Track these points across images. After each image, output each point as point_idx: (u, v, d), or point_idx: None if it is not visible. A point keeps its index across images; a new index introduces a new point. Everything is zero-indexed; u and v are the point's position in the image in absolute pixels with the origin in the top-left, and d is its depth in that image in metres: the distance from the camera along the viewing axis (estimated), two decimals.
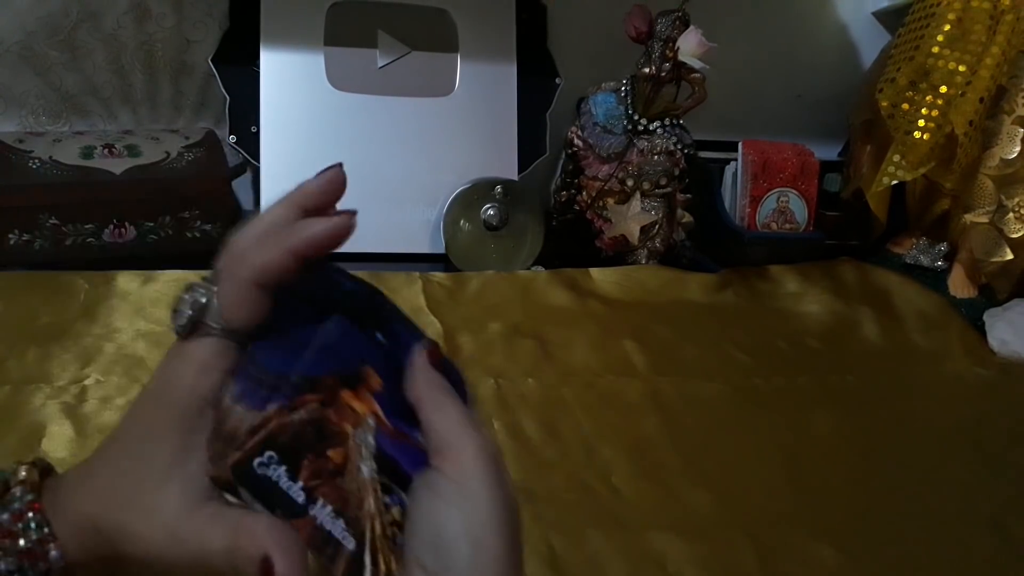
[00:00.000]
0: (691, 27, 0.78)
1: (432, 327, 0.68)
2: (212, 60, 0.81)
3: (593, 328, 0.72)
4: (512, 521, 0.30)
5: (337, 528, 0.29)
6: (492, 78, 0.87)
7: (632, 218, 0.83)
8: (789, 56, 1.04)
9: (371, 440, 0.30)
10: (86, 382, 0.56)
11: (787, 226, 0.88)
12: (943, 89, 0.81)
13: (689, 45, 0.77)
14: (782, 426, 0.63)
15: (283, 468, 0.29)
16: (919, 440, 0.64)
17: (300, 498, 0.29)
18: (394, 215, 0.83)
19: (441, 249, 0.82)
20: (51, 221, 0.70)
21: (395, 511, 0.30)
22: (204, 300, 0.30)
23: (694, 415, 0.63)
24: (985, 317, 0.83)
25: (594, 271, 0.81)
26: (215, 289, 0.30)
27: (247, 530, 0.29)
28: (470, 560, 0.28)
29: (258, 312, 0.30)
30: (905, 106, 0.84)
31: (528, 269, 0.82)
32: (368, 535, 0.29)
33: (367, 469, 0.30)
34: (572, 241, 0.89)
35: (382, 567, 0.29)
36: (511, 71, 0.87)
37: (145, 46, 0.82)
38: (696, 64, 0.77)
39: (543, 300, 0.76)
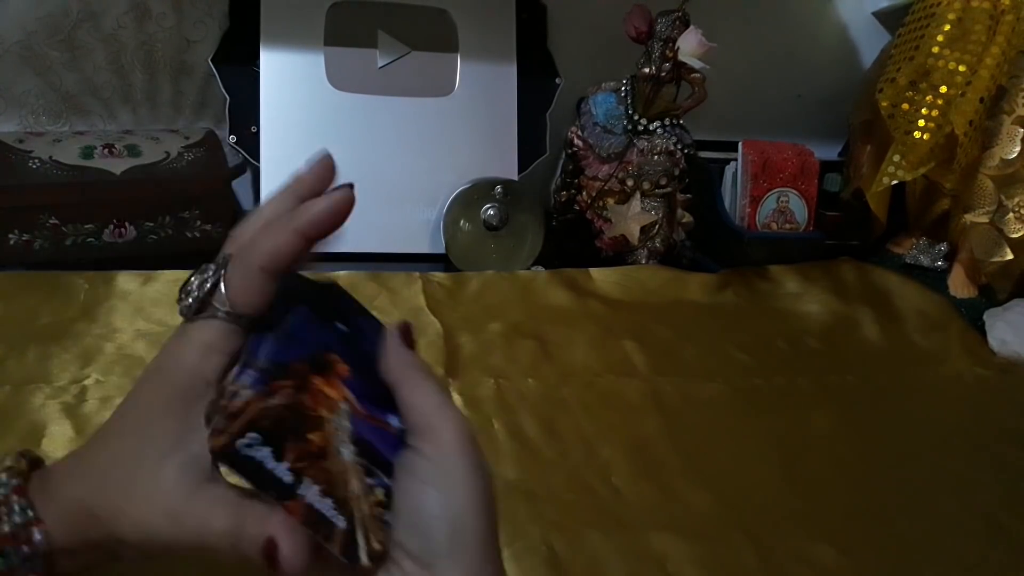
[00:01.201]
0: (691, 27, 0.78)
1: (432, 327, 0.68)
2: (212, 60, 0.81)
3: (593, 328, 0.72)
4: (489, 500, 0.30)
5: (327, 507, 0.29)
6: (492, 78, 0.87)
7: (632, 218, 0.83)
8: (789, 56, 1.04)
9: (347, 424, 0.31)
10: (86, 382, 0.56)
11: (787, 226, 0.88)
12: (943, 89, 0.81)
13: (689, 45, 0.77)
14: (782, 426, 0.63)
15: (267, 449, 0.29)
16: (919, 440, 0.64)
17: (288, 478, 0.29)
18: (394, 215, 0.83)
19: (441, 249, 0.82)
20: (51, 221, 0.70)
21: (378, 492, 0.31)
22: (212, 282, 0.31)
23: (694, 415, 0.63)
24: (985, 317, 0.83)
25: (594, 271, 0.81)
26: (223, 273, 0.31)
27: (252, 512, 0.29)
28: (450, 539, 0.29)
29: (264, 298, 0.31)
30: (905, 106, 0.84)
31: (528, 269, 0.82)
32: (357, 515, 0.30)
33: (347, 452, 0.30)
34: (572, 241, 0.89)
35: (375, 545, 0.30)
36: (511, 71, 0.87)
37: (145, 46, 0.82)
38: (696, 64, 0.77)
39: (543, 300, 0.76)
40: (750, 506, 0.54)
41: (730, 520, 0.52)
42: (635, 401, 0.64)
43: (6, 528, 0.29)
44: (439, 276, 0.76)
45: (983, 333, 0.82)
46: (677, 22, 0.78)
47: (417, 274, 0.75)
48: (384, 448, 0.31)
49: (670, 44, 0.78)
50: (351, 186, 0.32)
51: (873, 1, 1.03)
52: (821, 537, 0.51)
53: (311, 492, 0.29)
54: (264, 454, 0.29)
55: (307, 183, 0.33)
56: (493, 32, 0.87)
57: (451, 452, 0.30)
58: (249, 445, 0.29)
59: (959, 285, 0.88)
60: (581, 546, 0.47)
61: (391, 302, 0.71)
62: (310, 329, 0.32)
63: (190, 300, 0.31)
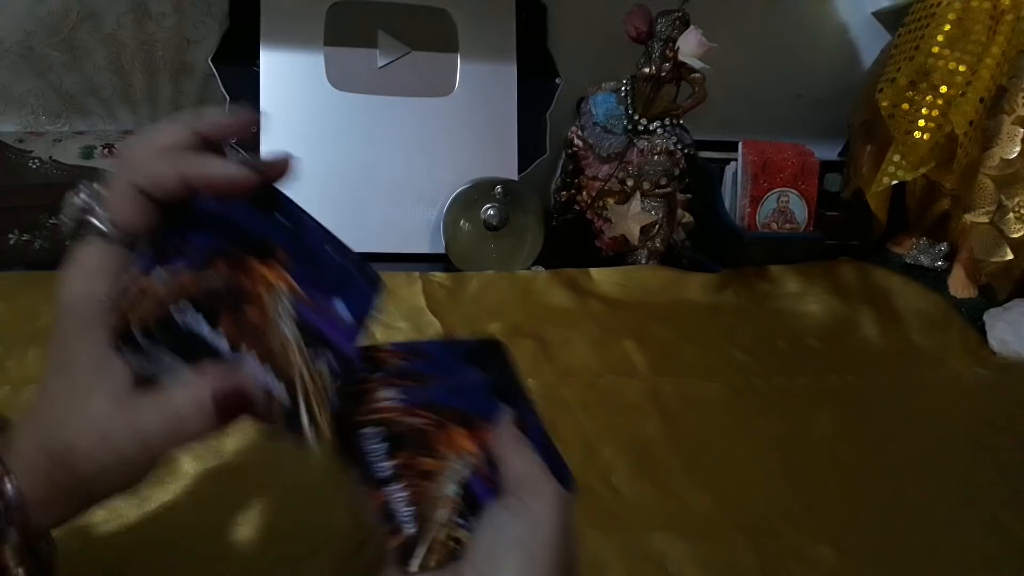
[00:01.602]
0: (691, 27, 0.78)
1: (432, 327, 0.68)
2: (212, 60, 0.81)
3: (593, 328, 0.72)
4: (569, 568, 0.30)
5: (268, 378, 0.29)
6: (492, 78, 0.87)
7: (632, 218, 0.83)
8: (789, 56, 1.04)
9: (288, 304, 0.31)
10: None
11: (787, 226, 0.88)
12: (943, 89, 0.81)
13: (689, 45, 0.77)
14: (782, 426, 0.63)
15: (200, 315, 0.29)
16: (919, 440, 0.64)
17: (223, 346, 0.29)
18: (394, 215, 0.83)
19: (441, 249, 0.82)
20: (51, 221, 0.70)
21: (322, 367, 0.30)
22: (90, 201, 0.31)
23: (694, 415, 0.63)
24: (985, 317, 0.83)
25: (594, 271, 0.81)
26: (102, 192, 0.31)
27: (178, 392, 0.29)
28: (519, 570, 0.29)
29: (144, 217, 0.30)
30: (905, 106, 0.83)
31: (528, 269, 0.82)
32: (299, 385, 0.30)
33: (287, 329, 0.30)
34: (572, 241, 0.89)
35: (318, 417, 0.30)
36: (511, 71, 0.87)
37: (145, 46, 0.82)
38: (696, 64, 0.77)
39: (543, 300, 0.76)
40: (750, 506, 0.54)
41: (730, 520, 0.52)
42: (635, 401, 0.64)
43: None
44: (439, 276, 0.76)
45: (983, 333, 0.82)
46: (677, 22, 0.78)
47: (417, 274, 0.75)
48: (331, 332, 0.31)
49: (670, 44, 0.78)
50: (283, 163, 0.32)
51: (873, 1, 1.03)
52: (821, 537, 0.51)
53: (249, 359, 0.29)
54: (198, 319, 0.29)
55: (213, 128, 0.32)
56: (493, 32, 0.87)
57: (546, 504, 0.30)
58: (182, 311, 0.29)
59: (959, 285, 0.88)
60: (581, 546, 0.47)
61: (391, 302, 0.71)
62: (248, 218, 0.32)
63: (71, 220, 0.31)
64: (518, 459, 0.32)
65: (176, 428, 0.29)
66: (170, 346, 0.29)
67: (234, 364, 0.29)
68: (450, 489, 0.31)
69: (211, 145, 0.32)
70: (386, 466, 0.31)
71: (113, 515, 0.45)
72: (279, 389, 0.29)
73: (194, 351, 0.29)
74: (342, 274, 0.33)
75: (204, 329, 0.29)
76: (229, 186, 0.30)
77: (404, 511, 0.30)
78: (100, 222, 0.30)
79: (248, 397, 0.29)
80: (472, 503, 0.31)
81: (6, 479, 0.29)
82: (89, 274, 0.30)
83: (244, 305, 0.30)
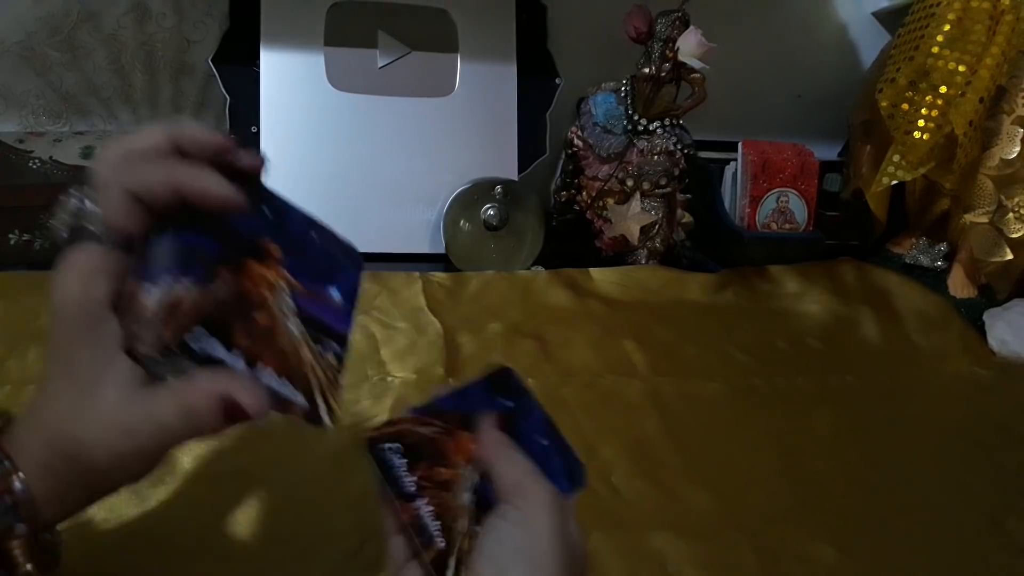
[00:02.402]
0: (691, 27, 0.78)
1: (432, 327, 0.68)
2: (212, 60, 0.81)
3: (593, 328, 0.72)
4: (574, 564, 0.31)
5: (287, 390, 0.31)
6: (492, 78, 0.87)
7: (632, 218, 0.83)
8: (789, 56, 1.04)
9: (289, 300, 0.32)
10: None
11: (787, 226, 0.88)
12: (943, 89, 0.81)
13: (689, 45, 0.77)
14: (782, 426, 0.63)
15: (215, 339, 0.30)
16: (919, 440, 0.64)
17: (240, 364, 0.30)
18: (394, 215, 0.83)
19: (441, 249, 0.82)
20: (51, 221, 0.70)
21: (331, 357, 0.33)
22: (82, 206, 0.31)
23: (694, 415, 0.63)
24: (985, 317, 0.83)
25: (594, 271, 0.82)
26: (93, 195, 0.31)
27: (192, 388, 0.30)
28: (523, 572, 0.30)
29: (137, 220, 0.30)
30: (905, 106, 0.83)
31: (528, 269, 0.82)
32: (314, 381, 0.32)
33: (294, 326, 0.32)
34: (572, 241, 0.89)
35: (333, 404, 0.32)
36: (511, 71, 0.87)
37: (145, 46, 0.82)
38: (696, 64, 0.77)
39: (543, 300, 0.76)
40: (750, 506, 0.54)
41: (730, 520, 0.52)
42: (635, 401, 0.64)
43: None
44: (439, 276, 0.76)
45: (983, 333, 0.82)
46: (677, 22, 0.78)
47: (417, 274, 0.75)
48: (330, 318, 0.33)
49: (670, 44, 0.78)
50: (258, 160, 0.33)
51: (873, 1, 1.03)
52: (821, 537, 0.51)
53: (266, 374, 0.31)
54: (213, 344, 0.30)
55: (191, 142, 0.32)
56: (493, 32, 0.87)
57: (541, 509, 0.31)
58: (196, 338, 0.29)
59: (959, 285, 0.88)
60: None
61: (391, 302, 0.71)
62: (241, 215, 0.32)
63: (63, 226, 0.31)
64: (506, 465, 0.33)
65: (190, 421, 0.30)
66: (188, 362, 0.30)
67: (252, 379, 0.30)
68: (465, 497, 0.33)
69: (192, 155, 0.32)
70: (411, 480, 0.33)
71: (113, 515, 0.45)
72: (299, 398, 0.31)
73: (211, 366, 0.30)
74: (327, 258, 0.35)
75: (220, 352, 0.30)
76: (222, 205, 0.31)
77: (433, 525, 0.32)
78: (93, 225, 0.31)
79: (256, 407, 0.30)
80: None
81: (14, 476, 0.30)
82: (84, 276, 0.30)
83: (253, 312, 0.31)
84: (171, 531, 0.45)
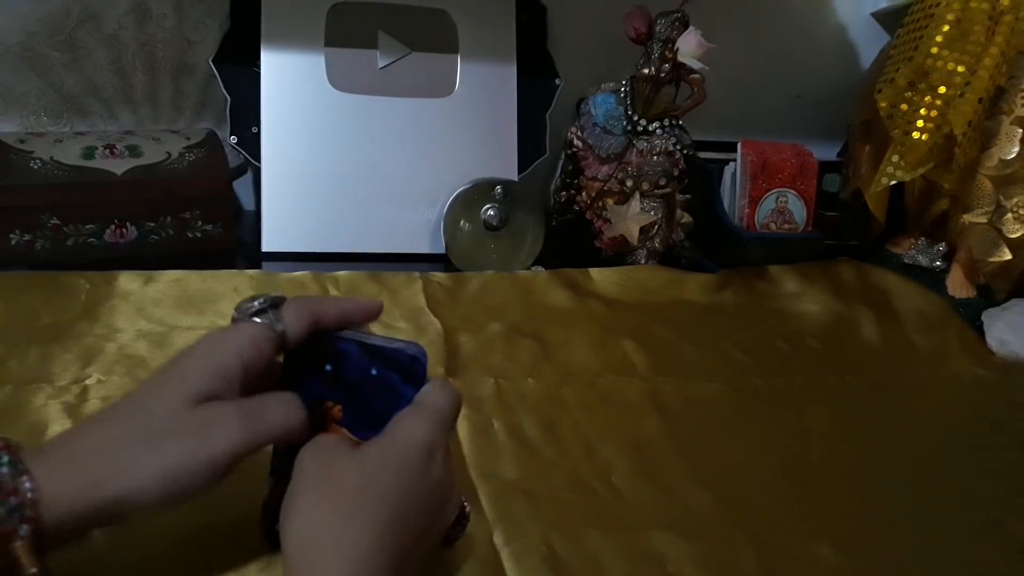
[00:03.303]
0: (690, 28, 0.78)
1: (432, 327, 0.68)
2: (213, 61, 0.81)
3: (593, 328, 0.73)
4: (389, 499, 0.35)
5: None
6: (492, 78, 0.87)
7: (631, 218, 0.83)
8: (789, 56, 1.04)
9: None
10: (87, 382, 0.56)
11: (786, 226, 0.88)
12: (942, 90, 0.81)
13: (688, 46, 0.77)
14: (782, 426, 0.63)
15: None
16: (918, 440, 0.64)
17: None
18: (394, 215, 0.83)
19: (441, 249, 0.82)
20: (52, 221, 0.70)
21: None
22: (273, 303, 0.39)
23: (694, 415, 0.63)
24: (984, 317, 0.84)
25: (594, 271, 0.82)
26: (283, 305, 0.40)
27: (251, 412, 0.36)
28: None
29: (302, 330, 0.39)
30: (904, 107, 0.84)
31: (528, 269, 0.82)
32: None
33: None
34: (572, 241, 0.89)
35: None
36: (511, 71, 0.87)
37: (146, 47, 0.82)
38: (695, 65, 0.77)
39: (543, 300, 0.76)
40: (750, 506, 0.54)
41: (730, 520, 0.52)
42: (635, 401, 0.64)
43: None
44: (439, 276, 0.76)
45: (982, 333, 0.82)
46: (676, 23, 0.78)
47: (417, 274, 0.75)
48: None
49: (669, 45, 0.78)
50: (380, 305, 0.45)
51: (872, 2, 1.03)
52: (821, 537, 0.51)
53: None
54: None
55: (355, 312, 0.43)
56: (493, 32, 0.87)
57: (392, 446, 0.36)
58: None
59: (958, 285, 0.89)
60: (581, 546, 0.47)
61: (391, 302, 0.71)
62: (309, 383, 0.40)
63: (255, 304, 0.39)
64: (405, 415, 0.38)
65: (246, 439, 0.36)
66: None
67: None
68: None
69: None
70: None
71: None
72: None
73: None
74: (386, 394, 0.39)
75: None
76: (364, 315, 0.44)
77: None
78: (274, 320, 0.39)
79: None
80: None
81: (25, 478, 0.30)
82: (249, 338, 0.37)
83: None
84: (171, 530, 0.45)
